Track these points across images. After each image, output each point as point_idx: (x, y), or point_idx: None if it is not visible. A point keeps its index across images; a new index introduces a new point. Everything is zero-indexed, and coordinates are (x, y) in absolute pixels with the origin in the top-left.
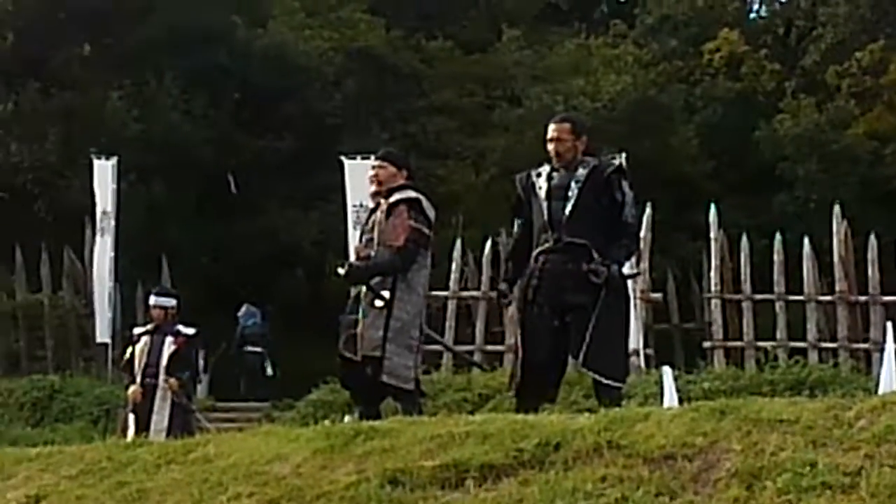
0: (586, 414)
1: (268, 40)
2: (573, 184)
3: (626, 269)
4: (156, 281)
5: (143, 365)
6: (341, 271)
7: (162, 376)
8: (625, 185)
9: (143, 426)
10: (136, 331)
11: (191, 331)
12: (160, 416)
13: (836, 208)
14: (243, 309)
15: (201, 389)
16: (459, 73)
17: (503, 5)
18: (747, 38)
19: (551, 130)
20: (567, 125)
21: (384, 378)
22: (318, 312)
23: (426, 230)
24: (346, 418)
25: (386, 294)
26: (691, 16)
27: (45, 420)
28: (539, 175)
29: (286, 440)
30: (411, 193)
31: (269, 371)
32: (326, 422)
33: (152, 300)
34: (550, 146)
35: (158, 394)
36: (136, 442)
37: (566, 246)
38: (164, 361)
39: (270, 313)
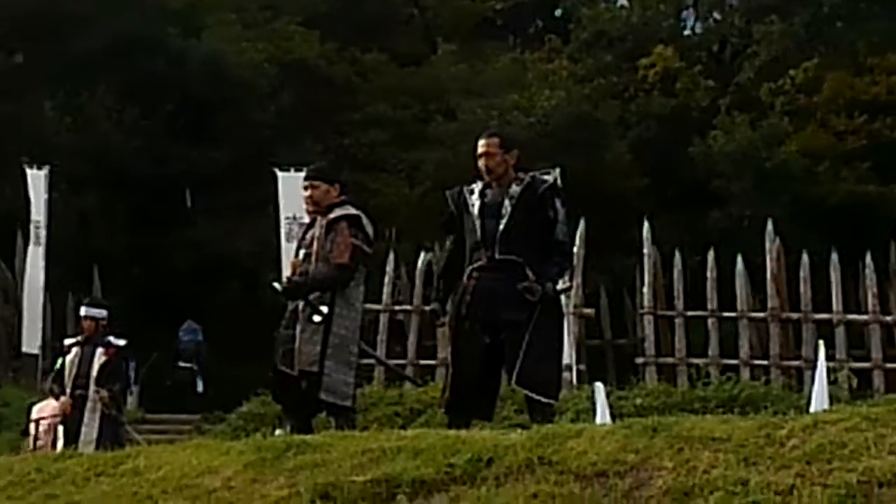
0: (518, 430)
1: (202, 51)
2: (507, 201)
3: (558, 285)
4: (87, 291)
5: (72, 376)
6: (277, 286)
7: (92, 388)
8: (558, 202)
9: (72, 438)
10: (67, 342)
11: (121, 342)
12: (89, 428)
13: (769, 226)
14: (185, 325)
15: (131, 401)
16: (394, 86)
17: (438, 19)
18: (682, 55)
19: (480, 146)
20: (495, 139)
21: (322, 395)
22: (252, 324)
23: (366, 247)
24: (277, 431)
25: (325, 309)
26: (626, 31)
27: None
28: (472, 192)
29: (217, 453)
30: (351, 210)
31: (200, 388)
32: (258, 435)
33: (83, 311)
34: (480, 162)
35: (88, 405)
36: (65, 454)
37: (499, 263)
38: (94, 373)
39: (206, 328)
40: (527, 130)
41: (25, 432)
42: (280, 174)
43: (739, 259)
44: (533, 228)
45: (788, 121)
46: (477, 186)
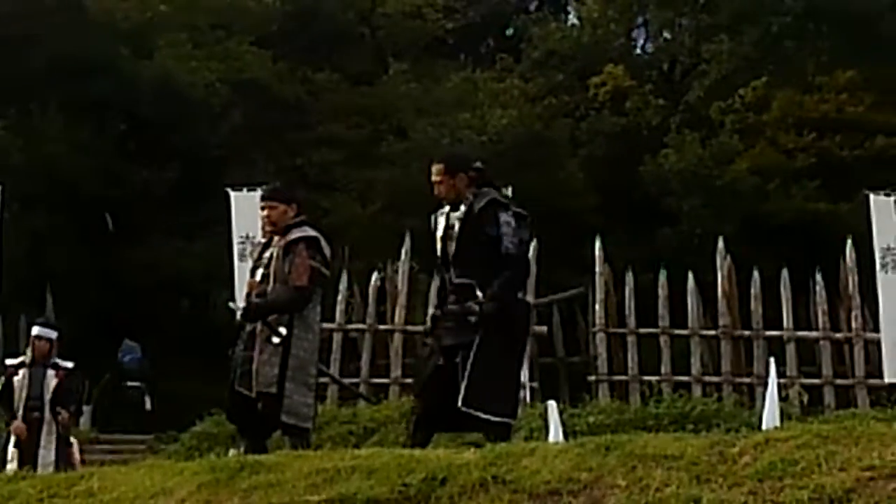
0: (472, 448)
1: (154, 71)
2: (457, 223)
3: (552, 296)
4: (39, 311)
5: (24, 398)
6: (233, 306)
7: (47, 410)
8: (502, 216)
9: (28, 460)
10: (10, 362)
11: (69, 364)
12: (47, 451)
13: (720, 243)
14: (123, 345)
15: (84, 421)
16: (346, 105)
17: (390, 39)
18: (632, 74)
19: (432, 172)
20: (440, 166)
21: (283, 417)
22: (202, 344)
23: (325, 269)
24: (231, 451)
25: (283, 331)
26: (577, 51)
27: None
28: (442, 214)
29: (171, 474)
30: (310, 231)
31: (148, 405)
32: (211, 455)
33: (36, 331)
34: (434, 189)
35: (44, 428)
36: (18, 475)
37: (455, 287)
38: (48, 395)
39: (151, 346)
40: (479, 149)
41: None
42: (233, 194)
43: (690, 276)
44: (480, 247)
45: (738, 139)
46: (445, 209)
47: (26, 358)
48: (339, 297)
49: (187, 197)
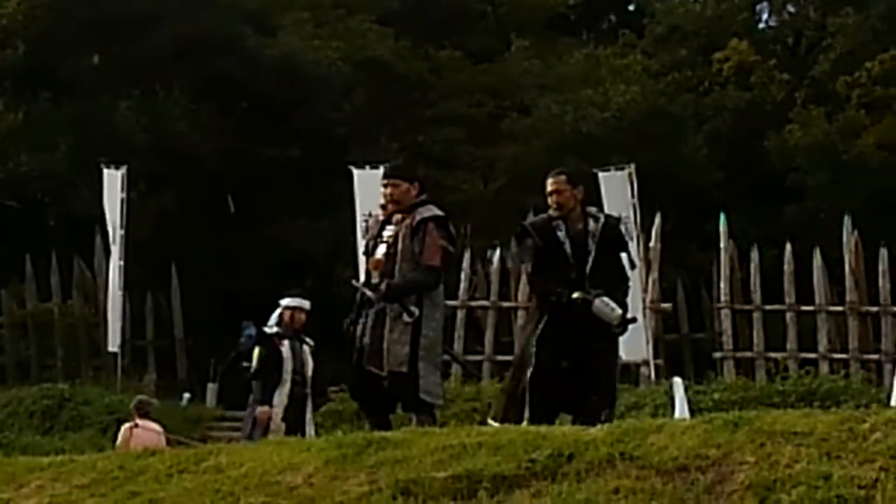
0: (599, 425)
1: (277, 50)
2: (590, 240)
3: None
4: (165, 291)
5: (290, 372)
6: (356, 284)
7: (309, 386)
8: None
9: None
10: (269, 331)
11: (311, 341)
12: (310, 427)
13: (847, 219)
14: (245, 326)
15: (210, 399)
16: (468, 82)
17: (511, 15)
18: (756, 48)
19: (549, 184)
20: (563, 177)
21: (423, 396)
22: (326, 321)
23: (452, 248)
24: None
25: (415, 310)
26: (700, 25)
27: (54, 428)
28: (560, 228)
29: (298, 450)
30: (437, 211)
31: None
32: (337, 431)
33: (294, 302)
34: (550, 199)
35: (308, 404)
36: (146, 451)
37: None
38: (308, 372)
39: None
40: (602, 125)
41: None
42: (356, 172)
43: (817, 252)
44: (612, 264)
45: (865, 113)
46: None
47: (279, 329)
48: (462, 275)
49: (311, 175)
